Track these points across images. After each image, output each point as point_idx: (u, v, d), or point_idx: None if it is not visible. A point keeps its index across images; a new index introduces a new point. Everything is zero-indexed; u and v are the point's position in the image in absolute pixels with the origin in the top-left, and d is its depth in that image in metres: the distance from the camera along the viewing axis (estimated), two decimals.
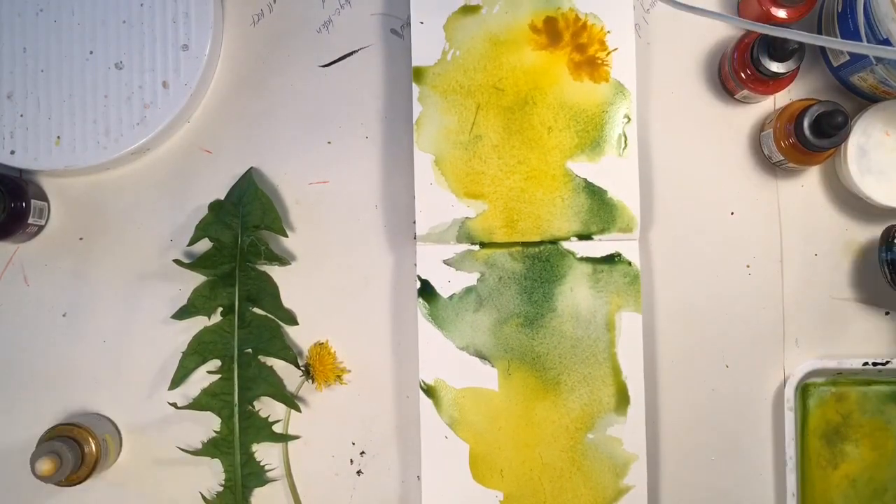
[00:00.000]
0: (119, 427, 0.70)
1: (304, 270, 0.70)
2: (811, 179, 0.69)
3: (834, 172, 0.68)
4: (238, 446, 0.68)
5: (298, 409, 0.68)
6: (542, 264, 0.66)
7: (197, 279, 0.68)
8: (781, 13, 0.65)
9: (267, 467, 0.69)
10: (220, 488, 0.68)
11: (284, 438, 0.68)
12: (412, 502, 0.68)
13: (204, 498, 0.68)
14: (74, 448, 0.64)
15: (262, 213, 0.68)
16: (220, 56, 0.71)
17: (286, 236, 0.69)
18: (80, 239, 0.71)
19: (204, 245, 0.69)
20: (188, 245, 0.69)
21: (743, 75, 0.65)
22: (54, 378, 0.70)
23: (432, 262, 0.66)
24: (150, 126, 0.68)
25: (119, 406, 0.70)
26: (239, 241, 0.68)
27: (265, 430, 0.68)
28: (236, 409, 0.68)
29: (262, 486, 0.68)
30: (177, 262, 0.68)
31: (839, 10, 0.64)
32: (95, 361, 0.70)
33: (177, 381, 0.68)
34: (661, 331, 0.69)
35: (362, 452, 0.69)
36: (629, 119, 0.66)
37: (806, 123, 0.62)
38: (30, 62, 0.69)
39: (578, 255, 0.66)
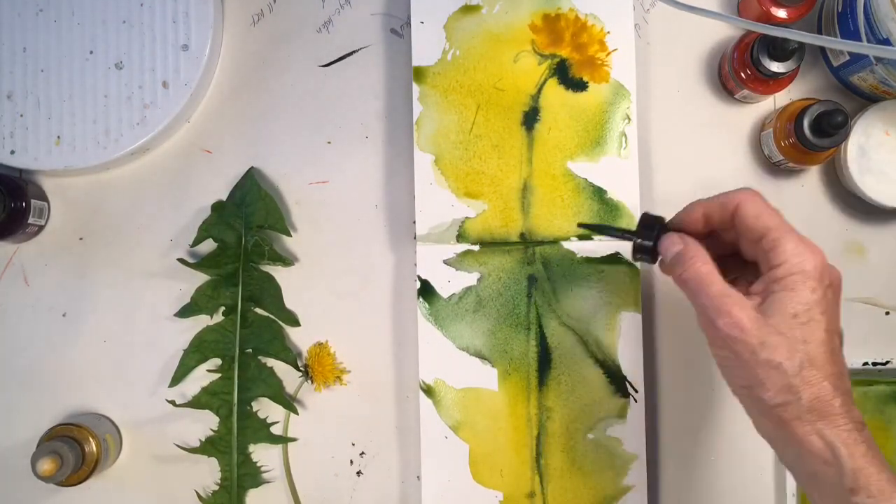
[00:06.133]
0: (119, 427, 0.70)
1: (304, 270, 0.70)
2: (811, 179, 0.69)
3: (834, 172, 0.68)
4: (235, 446, 0.68)
5: (296, 412, 0.68)
6: (542, 264, 0.66)
7: (197, 279, 0.68)
8: (781, 13, 0.65)
9: (265, 468, 0.69)
10: (217, 487, 0.68)
11: (282, 440, 0.68)
12: (412, 502, 0.68)
13: (199, 496, 0.68)
14: (75, 448, 0.64)
15: (265, 212, 0.68)
16: (220, 56, 0.71)
17: (290, 235, 0.69)
18: (80, 239, 0.71)
19: (205, 245, 0.69)
20: (192, 246, 0.69)
21: (743, 75, 0.65)
22: (54, 378, 0.70)
23: (432, 262, 0.66)
24: (150, 126, 0.68)
25: (119, 406, 0.70)
26: (243, 242, 0.68)
27: (262, 432, 0.68)
28: (235, 408, 0.68)
29: (257, 486, 0.68)
30: (181, 261, 0.68)
31: (839, 10, 0.64)
32: (95, 361, 0.70)
33: (177, 378, 0.69)
34: (661, 331, 0.69)
35: (362, 453, 0.69)
36: (629, 119, 0.66)
37: (806, 123, 0.62)
38: (30, 62, 0.69)
39: (578, 256, 0.66)
